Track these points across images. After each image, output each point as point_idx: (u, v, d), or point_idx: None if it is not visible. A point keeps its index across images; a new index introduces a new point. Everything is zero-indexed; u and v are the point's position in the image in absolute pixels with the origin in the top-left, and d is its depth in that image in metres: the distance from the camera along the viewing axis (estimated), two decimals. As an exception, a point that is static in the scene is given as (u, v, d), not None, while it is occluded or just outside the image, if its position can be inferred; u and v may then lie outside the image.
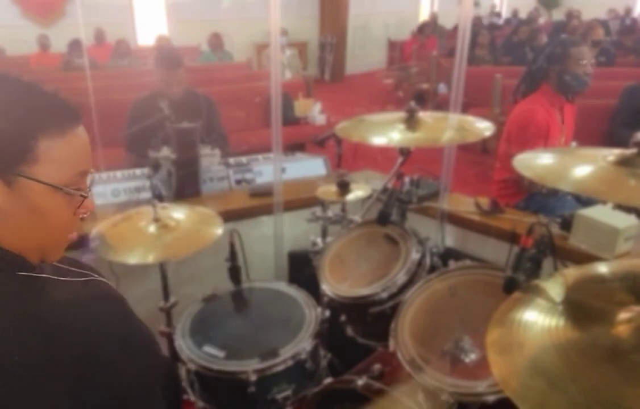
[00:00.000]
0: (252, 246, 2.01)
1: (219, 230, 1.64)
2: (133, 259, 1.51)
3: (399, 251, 1.68)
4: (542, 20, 10.37)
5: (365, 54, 10.67)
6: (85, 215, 0.80)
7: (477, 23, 8.62)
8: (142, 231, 1.59)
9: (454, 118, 1.81)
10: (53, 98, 0.73)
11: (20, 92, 0.71)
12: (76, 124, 0.75)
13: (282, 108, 2.15)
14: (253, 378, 1.46)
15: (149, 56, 5.41)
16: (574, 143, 2.47)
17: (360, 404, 1.35)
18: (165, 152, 2.21)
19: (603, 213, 1.70)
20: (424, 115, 1.73)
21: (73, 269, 0.85)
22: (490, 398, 1.15)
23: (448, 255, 1.86)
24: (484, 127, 1.65)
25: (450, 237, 2.17)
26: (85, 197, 0.78)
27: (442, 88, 6.48)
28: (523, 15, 11.19)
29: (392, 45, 9.92)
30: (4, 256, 0.73)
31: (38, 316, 0.69)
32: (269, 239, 2.35)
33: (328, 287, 1.68)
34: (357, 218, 1.98)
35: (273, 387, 1.52)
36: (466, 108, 3.73)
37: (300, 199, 2.32)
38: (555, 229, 1.79)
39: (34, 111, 0.71)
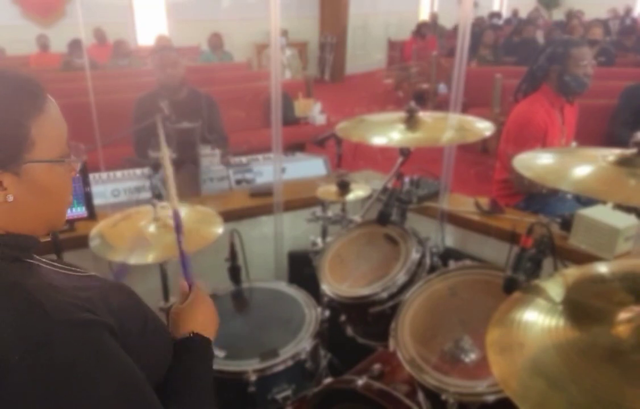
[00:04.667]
0: (252, 246, 2.01)
1: (219, 230, 1.64)
2: (133, 259, 1.51)
3: (399, 251, 1.68)
4: (542, 21, 10.37)
5: (365, 54, 10.66)
6: (75, 174, 0.84)
7: (478, 23, 8.62)
8: (142, 231, 1.59)
9: (454, 118, 1.81)
10: (21, 79, 0.74)
11: None
12: (46, 95, 0.75)
13: (282, 108, 2.15)
14: (253, 378, 1.46)
15: (149, 56, 5.41)
16: (574, 144, 2.47)
17: (360, 404, 1.35)
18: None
19: (603, 213, 1.70)
20: (424, 115, 1.73)
21: (74, 267, 0.86)
22: (490, 398, 1.15)
23: (448, 255, 1.86)
24: (484, 127, 1.65)
25: (450, 237, 2.17)
26: (79, 161, 0.82)
27: (442, 88, 6.48)
28: (523, 15, 11.20)
29: (392, 45, 9.91)
30: (20, 243, 0.74)
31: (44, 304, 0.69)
32: (269, 239, 2.35)
33: (328, 287, 1.68)
34: (357, 218, 1.98)
35: (273, 387, 1.52)
36: (466, 108, 3.73)
37: (300, 199, 2.32)
38: (555, 229, 1.79)
39: (16, 99, 0.72)
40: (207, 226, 1.66)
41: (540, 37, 7.65)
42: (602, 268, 1.08)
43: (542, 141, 2.32)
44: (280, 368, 1.50)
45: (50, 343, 0.64)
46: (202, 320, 0.95)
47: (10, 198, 0.71)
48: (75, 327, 0.67)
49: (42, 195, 0.76)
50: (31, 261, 0.76)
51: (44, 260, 0.80)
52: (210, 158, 2.40)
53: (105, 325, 0.71)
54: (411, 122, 1.68)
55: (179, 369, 0.87)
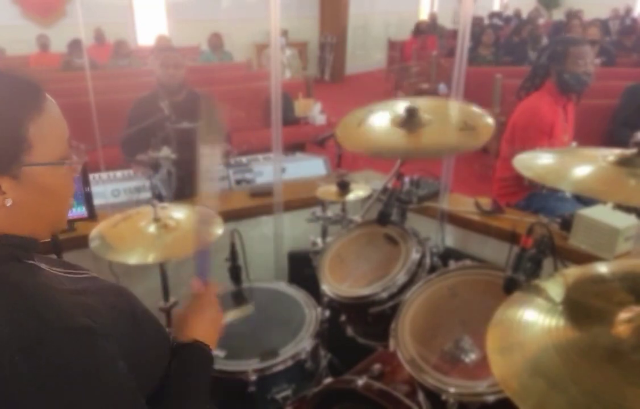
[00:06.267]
0: (252, 246, 2.01)
1: (219, 230, 1.64)
2: (133, 259, 1.51)
3: (399, 251, 1.68)
4: (542, 20, 10.36)
5: (365, 54, 10.66)
6: (76, 175, 0.84)
7: (477, 23, 8.61)
8: (142, 232, 1.59)
9: (454, 118, 1.80)
10: (18, 80, 0.72)
11: None
12: (45, 96, 0.74)
13: (282, 108, 2.15)
14: (253, 378, 1.46)
15: (149, 56, 5.41)
16: (574, 143, 2.47)
17: (361, 404, 1.34)
18: (165, 152, 2.21)
19: (603, 213, 1.70)
20: (424, 115, 1.73)
21: (74, 268, 0.86)
22: (490, 398, 1.15)
23: (448, 255, 1.86)
24: (484, 127, 1.65)
25: (450, 237, 2.17)
26: (80, 163, 0.81)
27: (442, 88, 6.48)
28: (524, 15, 11.19)
29: (392, 45, 9.90)
30: (21, 244, 0.74)
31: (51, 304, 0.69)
32: (269, 239, 2.35)
33: (328, 287, 1.68)
34: (357, 218, 1.98)
35: (273, 387, 1.52)
36: (466, 108, 3.69)
37: (300, 199, 2.32)
38: (555, 229, 1.79)
39: (14, 100, 0.70)
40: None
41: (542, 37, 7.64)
42: (602, 268, 1.08)
43: (548, 137, 2.32)
44: (280, 368, 1.50)
45: (44, 347, 0.64)
46: (206, 329, 0.93)
47: (9, 202, 0.70)
48: (71, 333, 0.66)
49: (43, 197, 0.74)
50: (31, 262, 0.75)
51: (44, 261, 0.79)
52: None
53: (102, 332, 0.69)
54: (411, 122, 1.68)
55: (178, 375, 0.86)
